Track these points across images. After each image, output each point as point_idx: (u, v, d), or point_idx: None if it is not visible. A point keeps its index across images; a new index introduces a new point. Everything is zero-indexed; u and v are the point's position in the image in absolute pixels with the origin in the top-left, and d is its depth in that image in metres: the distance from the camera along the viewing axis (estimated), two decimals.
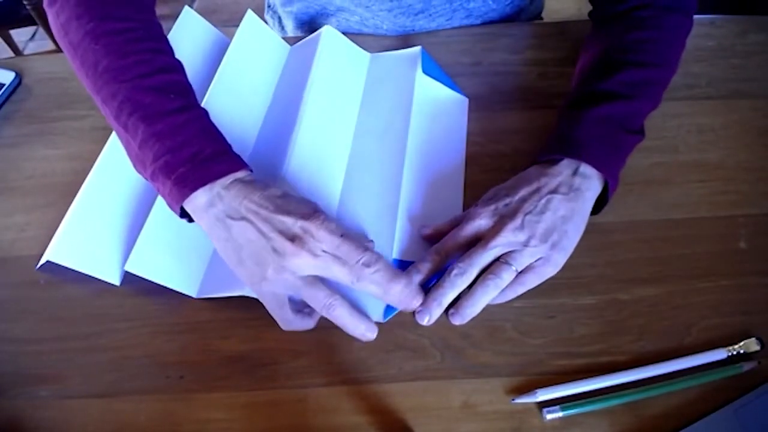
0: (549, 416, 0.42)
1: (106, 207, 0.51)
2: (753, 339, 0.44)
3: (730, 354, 0.44)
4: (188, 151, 0.43)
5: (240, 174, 0.44)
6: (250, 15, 0.60)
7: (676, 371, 0.43)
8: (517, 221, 0.45)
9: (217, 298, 0.48)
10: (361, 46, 0.63)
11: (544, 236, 0.44)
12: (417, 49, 0.59)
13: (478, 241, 0.45)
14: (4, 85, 0.63)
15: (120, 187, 0.53)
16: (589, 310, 0.47)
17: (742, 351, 0.44)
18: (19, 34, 1.68)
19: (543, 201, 0.45)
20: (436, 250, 0.46)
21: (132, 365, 0.46)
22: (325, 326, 0.44)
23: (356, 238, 0.43)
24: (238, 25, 0.60)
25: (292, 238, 0.41)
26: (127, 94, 0.45)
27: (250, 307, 0.47)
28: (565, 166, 0.47)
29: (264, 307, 0.44)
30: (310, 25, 0.76)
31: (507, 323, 0.47)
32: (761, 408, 0.41)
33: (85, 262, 0.49)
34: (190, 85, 0.48)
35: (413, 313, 0.44)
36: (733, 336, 0.45)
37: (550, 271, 0.45)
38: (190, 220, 0.45)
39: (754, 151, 0.55)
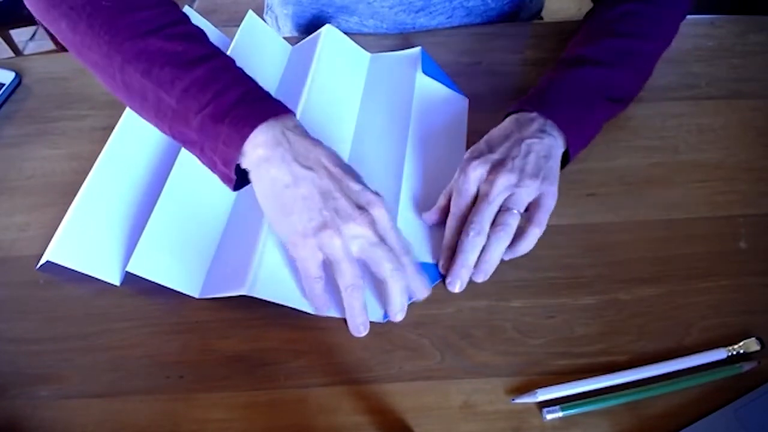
0: (549, 416, 0.42)
1: (106, 207, 0.51)
2: (753, 339, 0.44)
3: (730, 354, 0.44)
4: (237, 91, 0.41)
5: (296, 119, 0.43)
6: (250, 15, 0.60)
7: (676, 371, 0.43)
8: (507, 166, 0.47)
9: (218, 298, 0.47)
10: (361, 46, 0.63)
11: (533, 174, 0.47)
12: (417, 49, 0.59)
13: (478, 197, 0.48)
14: (4, 85, 0.63)
15: (121, 187, 0.53)
16: (589, 310, 0.47)
17: (742, 351, 0.44)
18: (19, 34, 1.68)
19: (523, 146, 0.48)
20: (453, 220, 0.48)
21: (132, 365, 0.46)
22: (326, 326, 0.44)
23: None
24: (238, 25, 0.60)
25: (359, 206, 0.41)
26: (156, 45, 0.42)
27: (250, 307, 0.47)
28: (535, 120, 0.49)
29: (264, 307, 0.44)
30: (307, 27, 0.76)
31: (507, 323, 0.47)
32: (761, 408, 0.41)
33: (85, 262, 0.49)
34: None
35: (444, 282, 0.47)
36: (733, 336, 0.45)
37: (550, 202, 0.47)
38: (240, 183, 0.43)
39: (754, 151, 0.55)
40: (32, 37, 1.96)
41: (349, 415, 0.44)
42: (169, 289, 0.47)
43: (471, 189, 0.48)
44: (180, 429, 0.44)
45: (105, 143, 0.54)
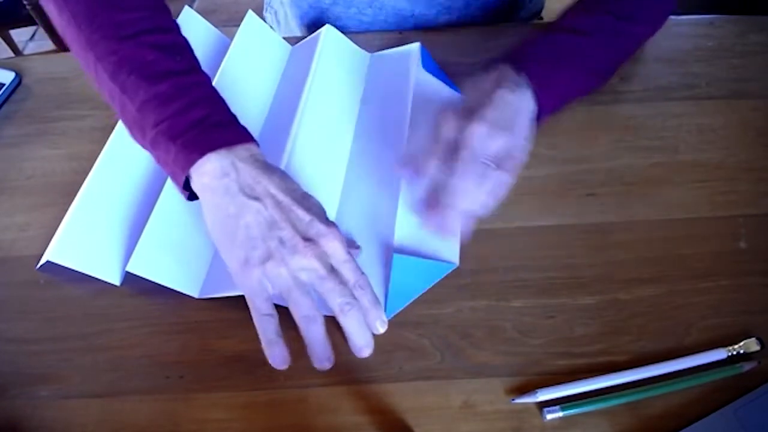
0: (549, 416, 0.42)
1: (106, 206, 0.51)
2: (753, 339, 0.44)
3: (730, 354, 0.44)
4: (197, 113, 0.40)
5: (254, 149, 0.42)
6: (250, 15, 0.60)
7: (676, 371, 0.43)
8: (477, 116, 0.44)
9: (217, 298, 0.47)
10: (359, 44, 0.63)
11: (505, 125, 0.45)
12: (416, 45, 0.59)
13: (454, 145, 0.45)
14: (4, 85, 0.63)
15: (120, 187, 0.53)
16: (589, 310, 0.47)
17: (742, 351, 0.44)
18: (19, 34, 1.68)
19: (496, 96, 0.46)
20: (425, 168, 0.45)
21: (132, 365, 0.46)
22: (326, 327, 0.44)
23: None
24: (238, 25, 0.60)
25: (307, 238, 0.40)
26: (128, 51, 0.41)
27: None
28: (509, 72, 0.48)
29: None
30: (305, 18, 0.75)
31: (507, 323, 0.47)
32: (761, 408, 0.41)
33: (85, 262, 0.49)
34: (192, 50, 0.45)
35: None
36: (733, 336, 0.45)
37: (521, 155, 0.45)
38: (191, 197, 0.42)
39: (754, 151, 0.55)
40: (32, 37, 1.96)
41: (349, 415, 0.44)
42: (168, 289, 0.47)
43: (445, 139, 0.46)
44: (180, 429, 0.44)
45: (105, 143, 0.54)
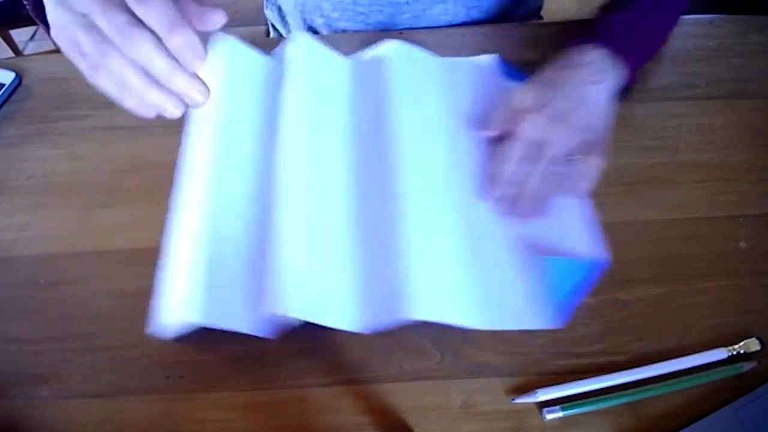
0: (549, 416, 0.42)
1: (224, 250, 0.45)
2: (753, 339, 0.44)
3: (730, 354, 0.44)
4: None
5: None
6: (298, 35, 0.55)
7: (676, 371, 0.43)
8: (556, 118, 0.48)
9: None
10: (360, 45, 0.63)
11: (582, 125, 0.48)
12: (492, 57, 0.58)
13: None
14: (4, 85, 0.63)
15: (230, 227, 0.46)
16: (589, 310, 0.47)
17: (742, 351, 0.44)
18: (19, 34, 1.68)
19: (572, 95, 0.49)
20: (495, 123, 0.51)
21: (132, 365, 0.46)
22: (326, 327, 0.44)
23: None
24: (238, 25, 0.59)
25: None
26: None
27: None
28: (592, 52, 0.51)
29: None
30: (304, 7, 0.75)
31: None
32: (761, 408, 0.41)
33: (227, 318, 0.43)
34: None
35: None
36: (733, 336, 0.45)
37: (602, 140, 0.49)
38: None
39: (754, 151, 0.55)
40: (32, 37, 1.96)
41: (349, 415, 0.44)
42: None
43: (528, 137, 0.48)
44: (180, 429, 0.44)
45: (105, 143, 0.54)
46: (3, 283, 0.51)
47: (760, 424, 0.41)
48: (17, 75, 0.64)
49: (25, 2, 0.47)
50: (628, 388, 0.43)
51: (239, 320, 0.43)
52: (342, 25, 0.74)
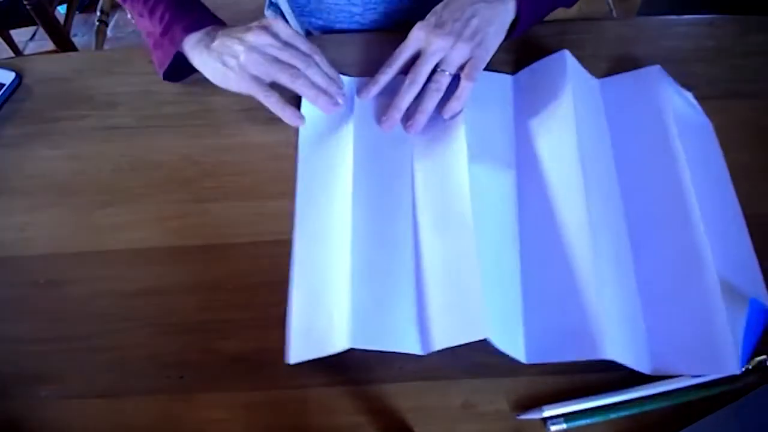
0: (553, 428, 0.42)
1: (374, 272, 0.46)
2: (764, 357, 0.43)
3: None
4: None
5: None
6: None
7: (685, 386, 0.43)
8: (446, 29, 0.53)
9: (213, 298, 0.48)
10: (358, 44, 0.63)
11: (469, 37, 0.53)
12: (656, 67, 0.56)
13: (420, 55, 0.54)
14: (4, 85, 0.63)
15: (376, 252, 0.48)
16: None
17: (750, 367, 0.42)
18: (19, 34, 1.68)
19: (469, 9, 0.54)
20: (386, 65, 0.55)
21: (132, 365, 0.46)
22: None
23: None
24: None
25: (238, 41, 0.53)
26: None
27: (250, 307, 0.47)
28: None
29: (264, 307, 0.44)
30: (302, 4, 0.75)
31: None
32: (761, 408, 0.41)
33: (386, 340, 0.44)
34: None
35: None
36: None
37: (480, 64, 0.54)
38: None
39: (754, 151, 0.55)
40: (32, 37, 1.96)
41: (349, 415, 0.44)
42: (168, 289, 0.47)
43: (409, 50, 0.55)
44: (180, 429, 0.44)
45: (105, 143, 0.54)
46: (3, 283, 0.51)
47: (760, 424, 0.41)
48: (17, 75, 0.64)
49: (160, 69, 0.58)
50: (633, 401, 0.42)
51: (393, 341, 0.44)
52: (338, 25, 0.74)
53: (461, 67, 0.53)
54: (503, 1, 0.55)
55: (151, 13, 0.57)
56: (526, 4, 0.55)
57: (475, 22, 0.53)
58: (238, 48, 0.53)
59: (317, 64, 0.54)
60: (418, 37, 0.54)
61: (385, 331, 0.44)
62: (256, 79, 0.53)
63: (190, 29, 0.56)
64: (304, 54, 0.54)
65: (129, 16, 0.61)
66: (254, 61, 0.53)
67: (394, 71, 0.55)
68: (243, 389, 0.45)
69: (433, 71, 0.54)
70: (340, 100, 0.54)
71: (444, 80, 0.53)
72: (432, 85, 0.53)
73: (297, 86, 0.53)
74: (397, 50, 0.55)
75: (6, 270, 0.52)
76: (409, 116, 0.55)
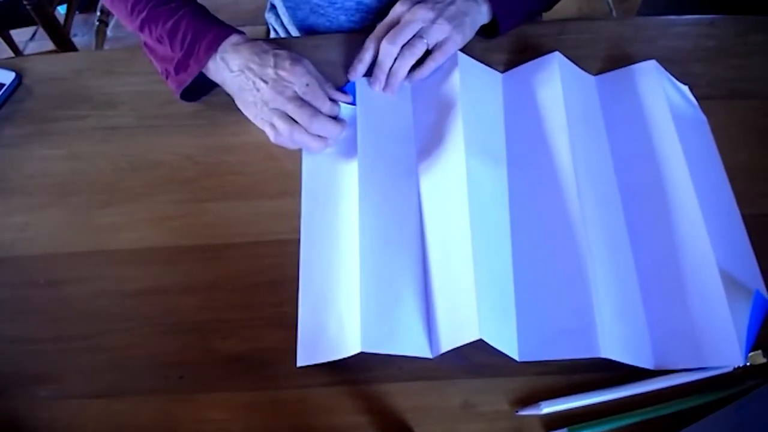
0: None
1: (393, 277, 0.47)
2: (758, 352, 0.43)
3: (735, 366, 0.43)
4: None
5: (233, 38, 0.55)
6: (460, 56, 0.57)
7: (685, 382, 0.43)
8: (428, 5, 0.56)
9: (213, 298, 0.48)
10: (358, 44, 0.63)
11: (451, 17, 0.56)
12: (652, 62, 0.56)
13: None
14: (4, 85, 0.63)
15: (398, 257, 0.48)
16: None
17: (748, 363, 0.43)
18: (19, 34, 1.68)
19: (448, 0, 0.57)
20: (370, 39, 0.57)
21: (132, 365, 0.46)
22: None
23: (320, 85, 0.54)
24: (238, 26, 0.59)
25: (268, 80, 0.53)
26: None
27: (250, 307, 0.47)
28: None
29: (264, 307, 0.44)
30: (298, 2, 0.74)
31: None
32: (761, 408, 0.41)
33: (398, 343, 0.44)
34: None
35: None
36: None
37: (452, 47, 0.56)
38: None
39: (754, 151, 0.55)
40: (32, 37, 1.96)
41: (349, 415, 0.44)
42: (168, 289, 0.47)
43: (393, 19, 0.57)
44: (180, 429, 0.44)
45: (104, 143, 0.54)
46: (3, 283, 0.51)
47: (760, 424, 0.41)
48: (17, 75, 0.64)
49: (176, 91, 0.57)
50: (633, 400, 0.42)
51: (403, 344, 0.44)
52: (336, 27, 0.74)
53: (436, 45, 0.56)
54: (477, 2, 0.58)
55: (172, 34, 0.56)
56: (500, 6, 0.58)
57: (453, 8, 0.56)
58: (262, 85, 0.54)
59: (319, 116, 0.53)
60: (400, 10, 0.57)
61: (395, 334, 0.44)
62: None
63: (213, 47, 0.55)
64: (307, 105, 0.53)
65: (144, 50, 0.59)
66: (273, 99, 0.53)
67: (378, 43, 0.57)
68: (242, 389, 0.45)
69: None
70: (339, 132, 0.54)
71: (420, 47, 0.55)
72: (407, 48, 0.55)
73: (312, 125, 0.53)
74: (381, 23, 0.57)
75: (6, 270, 0.52)
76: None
